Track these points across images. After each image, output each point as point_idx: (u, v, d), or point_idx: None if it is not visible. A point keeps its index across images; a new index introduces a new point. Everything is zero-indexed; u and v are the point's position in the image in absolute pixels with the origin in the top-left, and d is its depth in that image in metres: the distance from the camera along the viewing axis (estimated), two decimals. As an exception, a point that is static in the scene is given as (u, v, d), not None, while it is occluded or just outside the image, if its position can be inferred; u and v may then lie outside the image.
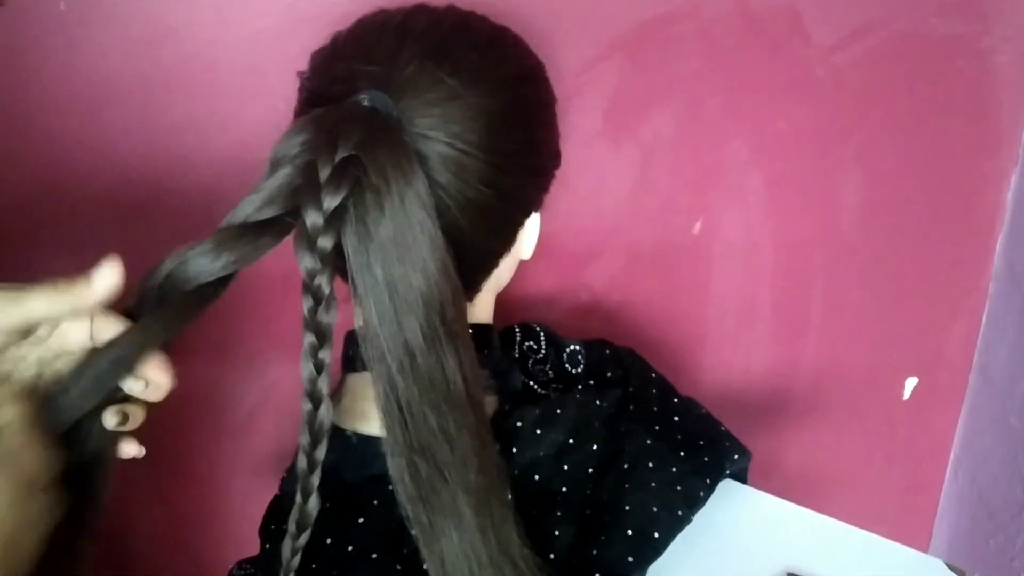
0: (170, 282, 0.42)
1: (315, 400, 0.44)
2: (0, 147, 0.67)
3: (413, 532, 0.46)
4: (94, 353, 0.41)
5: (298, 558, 0.48)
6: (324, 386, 0.44)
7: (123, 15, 0.65)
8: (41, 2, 0.64)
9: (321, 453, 0.45)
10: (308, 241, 0.42)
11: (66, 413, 0.42)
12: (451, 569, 0.46)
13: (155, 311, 0.42)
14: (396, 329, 0.44)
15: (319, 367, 0.44)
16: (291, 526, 0.47)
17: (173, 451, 0.78)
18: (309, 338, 0.43)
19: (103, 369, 0.41)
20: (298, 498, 0.47)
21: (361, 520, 0.52)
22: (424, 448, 0.45)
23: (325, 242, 0.42)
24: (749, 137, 0.78)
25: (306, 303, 0.43)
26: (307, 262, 0.42)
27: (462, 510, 0.45)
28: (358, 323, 0.46)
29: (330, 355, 0.44)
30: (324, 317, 0.43)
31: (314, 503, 0.47)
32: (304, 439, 0.45)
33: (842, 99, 0.78)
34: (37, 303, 0.39)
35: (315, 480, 0.46)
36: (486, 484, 0.46)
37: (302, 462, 0.46)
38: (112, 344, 0.41)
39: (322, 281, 0.42)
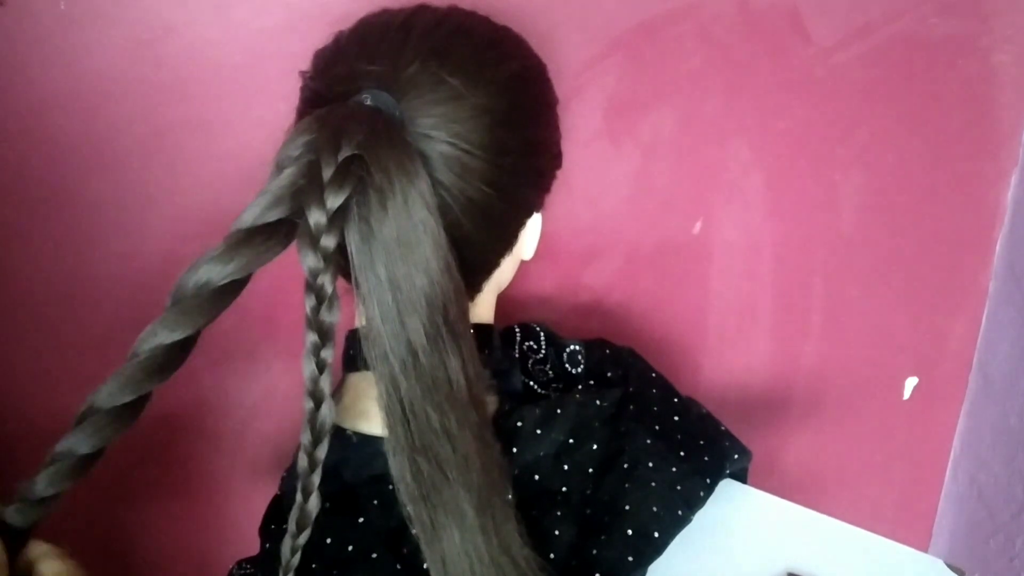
0: (184, 288, 0.42)
1: (317, 399, 0.44)
2: (0, 147, 0.67)
3: (414, 531, 0.47)
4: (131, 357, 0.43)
5: (298, 557, 0.48)
6: (326, 385, 0.44)
7: (123, 15, 0.65)
8: (41, 2, 0.64)
9: (322, 452, 0.45)
10: (311, 240, 0.42)
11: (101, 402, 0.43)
12: (452, 568, 0.46)
13: (168, 314, 0.42)
14: (399, 328, 0.44)
15: (321, 366, 0.44)
16: (291, 525, 0.47)
17: (173, 451, 0.78)
18: (311, 337, 0.43)
19: (133, 372, 0.42)
20: (299, 497, 0.47)
21: (361, 520, 0.52)
22: (426, 447, 0.45)
23: (328, 241, 0.42)
24: (749, 137, 0.78)
25: (309, 302, 0.43)
26: (310, 261, 0.42)
27: (464, 509, 0.45)
28: (360, 322, 0.46)
29: (332, 354, 0.44)
30: (327, 316, 0.43)
31: (315, 502, 0.47)
32: (305, 438, 0.45)
33: (842, 99, 0.78)
34: None
35: (316, 479, 0.46)
36: (488, 483, 0.46)
37: (303, 461, 0.46)
38: (139, 344, 0.42)
39: (325, 280, 0.43)
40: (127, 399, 0.42)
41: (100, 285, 0.71)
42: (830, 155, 0.79)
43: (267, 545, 0.55)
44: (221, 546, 0.82)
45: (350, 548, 0.51)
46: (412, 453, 0.45)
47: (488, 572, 0.46)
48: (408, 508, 0.46)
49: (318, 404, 0.44)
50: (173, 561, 0.82)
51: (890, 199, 0.82)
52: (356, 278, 0.44)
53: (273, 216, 0.42)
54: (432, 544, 0.46)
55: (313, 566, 0.50)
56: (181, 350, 0.43)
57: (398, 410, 0.45)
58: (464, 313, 0.47)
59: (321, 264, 0.42)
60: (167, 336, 0.42)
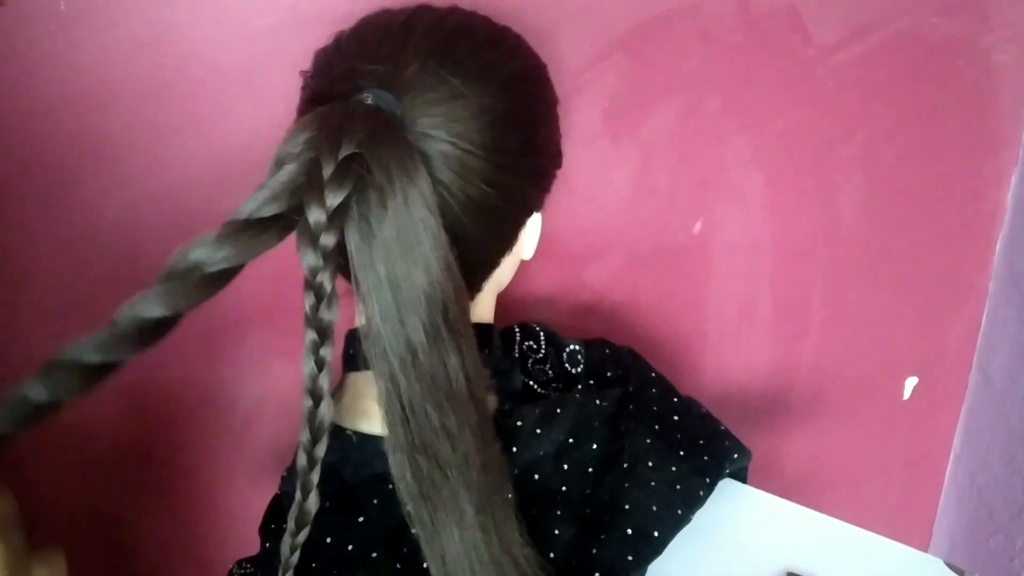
0: (173, 269, 0.41)
1: (316, 397, 0.44)
2: (0, 147, 0.67)
3: (414, 530, 0.47)
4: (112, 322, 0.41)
5: (297, 555, 0.48)
6: (325, 383, 0.44)
7: (123, 15, 0.65)
8: (41, 2, 0.64)
9: (321, 450, 0.45)
10: (311, 238, 0.42)
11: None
12: (452, 567, 0.46)
13: (152, 290, 0.41)
14: (399, 327, 0.44)
15: (320, 364, 0.44)
16: (290, 523, 0.47)
17: (172, 450, 0.78)
18: (310, 335, 0.43)
19: (105, 337, 0.40)
20: (297, 495, 0.47)
21: (361, 519, 0.52)
22: (426, 446, 0.45)
23: (328, 239, 0.42)
24: (749, 137, 0.78)
25: (308, 300, 0.43)
26: (309, 259, 0.42)
27: (463, 508, 0.45)
28: (360, 321, 0.46)
29: (331, 352, 0.44)
30: (326, 314, 0.43)
31: (313, 500, 0.47)
32: (304, 436, 0.45)
33: (842, 99, 0.78)
34: None
35: (315, 477, 0.46)
36: (488, 482, 0.46)
37: (302, 459, 0.46)
38: (118, 313, 0.41)
39: (324, 278, 0.42)
40: (92, 360, 0.40)
41: (100, 284, 0.71)
42: (830, 155, 0.80)
43: (267, 545, 0.55)
44: (221, 546, 0.82)
45: (350, 547, 0.51)
46: (412, 452, 0.45)
47: (488, 571, 0.46)
48: (408, 507, 0.46)
49: (317, 402, 0.44)
50: (173, 561, 0.82)
51: (890, 199, 0.82)
52: (356, 276, 0.44)
53: (270, 211, 0.42)
54: (432, 543, 0.46)
55: (313, 565, 0.50)
56: (158, 328, 0.41)
57: (398, 409, 0.45)
58: (464, 312, 0.46)
59: (320, 262, 0.42)
60: (146, 310, 0.40)
